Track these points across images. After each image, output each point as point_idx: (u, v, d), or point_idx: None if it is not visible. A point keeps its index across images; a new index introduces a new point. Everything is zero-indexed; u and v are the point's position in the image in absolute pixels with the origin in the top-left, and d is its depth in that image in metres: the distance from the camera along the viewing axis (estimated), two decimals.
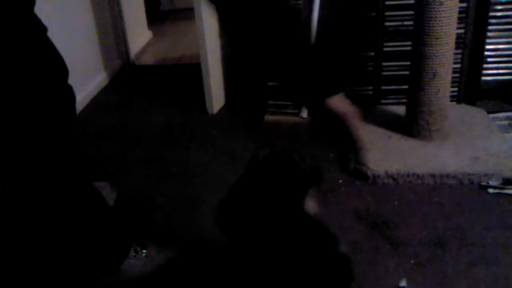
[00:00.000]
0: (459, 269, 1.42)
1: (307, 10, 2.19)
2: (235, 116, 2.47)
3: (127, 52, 3.29)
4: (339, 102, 0.91)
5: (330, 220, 1.60)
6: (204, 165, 2.05)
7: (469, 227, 1.58)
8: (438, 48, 1.84)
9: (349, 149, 0.98)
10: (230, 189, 1.33)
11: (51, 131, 1.11)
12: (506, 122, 2.16)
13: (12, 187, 1.15)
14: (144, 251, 1.42)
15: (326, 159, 1.97)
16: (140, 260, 1.40)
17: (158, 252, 1.44)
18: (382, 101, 2.34)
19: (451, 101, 2.13)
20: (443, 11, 1.78)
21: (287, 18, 0.88)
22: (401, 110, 2.12)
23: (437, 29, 1.81)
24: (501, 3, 2.17)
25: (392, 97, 2.33)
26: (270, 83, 2.35)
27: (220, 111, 2.53)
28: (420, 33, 1.84)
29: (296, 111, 2.36)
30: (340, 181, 1.86)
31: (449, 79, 1.92)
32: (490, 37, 2.22)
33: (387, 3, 2.17)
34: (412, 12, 1.95)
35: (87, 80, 2.76)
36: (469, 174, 1.79)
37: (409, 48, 2.00)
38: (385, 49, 2.26)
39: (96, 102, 2.75)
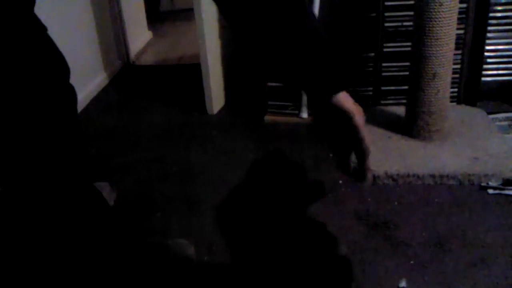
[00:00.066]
0: (459, 269, 1.42)
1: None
2: (235, 117, 2.47)
3: (127, 53, 3.29)
4: (345, 99, 0.88)
5: (330, 221, 1.61)
6: (204, 165, 2.05)
7: (469, 227, 1.58)
8: (438, 49, 1.84)
9: (352, 149, 0.95)
10: (231, 192, 1.33)
11: (53, 131, 1.11)
12: (506, 123, 2.16)
13: (12, 187, 1.15)
14: (144, 251, 1.41)
15: (326, 159, 1.97)
16: (140, 260, 1.40)
17: (158, 252, 1.44)
18: (382, 101, 2.35)
19: (451, 101, 2.13)
20: (443, 11, 1.78)
21: (292, 11, 0.87)
22: (401, 110, 2.12)
23: (437, 30, 1.81)
24: (501, 4, 2.17)
25: (392, 97, 2.33)
26: (270, 84, 2.35)
27: (220, 111, 2.54)
28: (420, 33, 1.84)
29: (296, 111, 2.36)
30: (340, 181, 1.86)
31: (449, 79, 1.93)
32: (490, 38, 2.22)
33: (386, 3, 2.17)
34: (411, 13, 1.96)
35: (87, 80, 2.76)
36: (469, 175, 1.79)
37: (409, 48, 2.00)
38: (385, 49, 2.26)
39: (96, 102, 2.75)
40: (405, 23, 2.19)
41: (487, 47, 2.23)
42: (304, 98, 2.32)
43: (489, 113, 2.19)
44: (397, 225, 1.62)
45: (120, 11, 3.13)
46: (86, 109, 2.65)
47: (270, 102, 2.39)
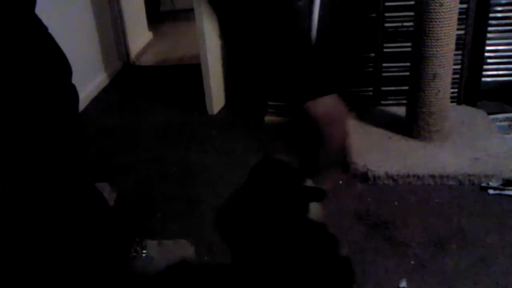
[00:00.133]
0: (459, 269, 1.42)
1: (307, 11, 2.19)
2: (235, 117, 2.47)
3: (127, 53, 3.29)
4: (323, 106, 0.86)
5: (330, 221, 1.61)
6: (204, 165, 2.05)
7: (469, 228, 1.58)
8: (438, 49, 1.84)
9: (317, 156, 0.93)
10: (231, 192, 1.33)
11: (54, 130, 1.11)
12: (506, 123, 2.16)
13: (12, 187, 1.15)
14: (144, 251, 1.42)
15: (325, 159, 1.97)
16: (140, 260, 1.40)
17: (158, 253, 1.44)
18: (382, 102, 2.34)
19: (451, 102, 2.13)
20: (443, 12, 1.78)
21: (286, 17, 0.87)
22: (401, 111, 2.12)
23: (437, 30, 1.81)
24: (501, 5, 2.17)
25: (392, 98, 2.33)
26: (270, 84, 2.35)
27: (220, 111, 2.54)
28: (420, 34, 1.84)
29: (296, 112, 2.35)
30: (340, 181, 1.86)
31: (449, 80, 1.93)
32: (490, 38, 2.22)
33: (387, 4, 2.17)
34: (412, 13, 1.96)
35: (87, 80, 2.76)
36: (469, 175, 1.79)
37: (409, 49, 2.00)
38: (385, 50, 2.26)
39: (96, 102, 2.75)
40: (405, 24, 2.19)
41: (487, 48, 2.23)
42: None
43: (489, 113, 2.19)
44: (397, 225, 1.62)
45: (120, 11, 3.13)
46: (86, 109, 2.65)
47: (270, 103, 2.39)
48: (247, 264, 1.27)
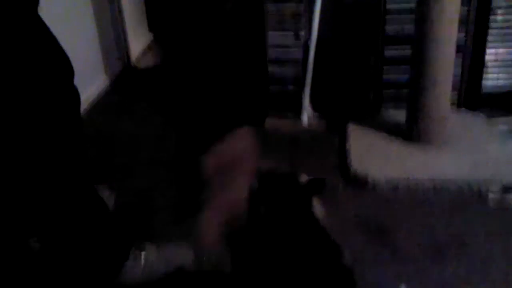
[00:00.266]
0: (459, 275, 1.42)
1: (308, 14, 2.19)
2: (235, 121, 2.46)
3: (128, 55, 3.29)
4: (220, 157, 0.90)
5: (329, 226, 1.61)
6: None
7: (469, 234, 1.58)
8: (438, 53, 1.84)
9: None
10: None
11: (55, 132, 1.11)
12: (506, 128, 2.15)
13: (12, 189, 1.14)
14: (143, 255, 1.41)
15: (325, 164, 1.97)
16: (139, 264, 1.39)
17: (157, 257, 1.44)
18: (382, 106, 2.34)
19: (452, 106, 2.13)
20: (444, 16, 1.78)
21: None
22: (401, 115, 2.12)
23: (438, 34, 1.81)
24: (502, 8, 2.16)
25: (393, 102, 2.32)
26: (272, 89, 2.35)
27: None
28: (421, 38, 1.84)
29: (297, 117, 2.35)
30: (340, 186, 1.86)
31: (449, 84, 1.92)
32: (490, 43, 2.21)
33: (388, 6, 2.17)
34: (412, 17, 1.95)
35: (87, 82, 2.75)
36: (469, 181, 1.79)
37: (409, 53, 2.00)
38: (385, 54, 2.25)
39: (96, 104, 2.74)
40: (406, 27, 2.18)
41: (488, 52, 2.22)
42: (305, 104, 2.32)
43: (489, 118, 2.19)
44: (397, 230, 1.61)
45: (120, 13, 3.13)
46: (86, 111, 2.64)
47: (271, 107, 2.39)
48: (247, 269, 1.27)
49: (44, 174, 1.13)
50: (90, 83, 2.80)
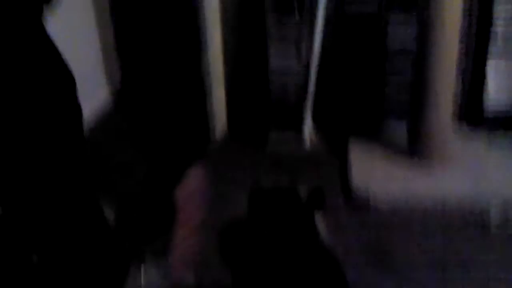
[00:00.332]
0: None
1: (310, 31, 2.21)
2: (237, 142, 2.46)
3: None
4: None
5: (331, 245, 1.60)
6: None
7: (470, 255, 1.58)
8: (440, 71, 1.85)
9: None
10: (232, 216, 1.33)
11: (58, 145, 1.11)
12: (507, 148, 2.15)
13: (15, 202, 1.14)
14: (143, 271, 1.40)
15: (327, 185, 1.96)
16: (139, 278, 1.38)
17: (157, 271, 1.43)
18: (384, 123, 2.34)
19: (453, 126, 2.13)
20: (445, 33, 1.80)
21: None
22: (403, 132, 2.12)
23: (439, 51, 1.82)
24: (503, 20, 2.17)
25: (394, 119, 2.32)
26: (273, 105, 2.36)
27: (222, 136, 2.52)
28: (422, 54, 1.86)
29: (298, 139, 2.36)
30: (342, 208, 1.86)
31: (451, 103, 1.93)
32: (492, 60, 2.22)
33: (389, 24, 2.18)
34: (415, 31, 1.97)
35: (89, 95, 2.75)
36: (471, 203, 1.79)
37: (411, 69, 2.01)
38: (387, 70, 2.26)
39: (98, 118, 2.74)
40: (407, 43, 2.20)
41: (489, 72, 2.23)
42: (307, 125, 2.33)
43: (491, 137, 2.19)
44: (399, 249, 1.61)
45: None
46: (88, 124, 2.63)
47: (272, 129, 2.39)
48: (248, 283, 1.26)
49: (47, 187, 1.13)
50: (92, 95, 2.79)
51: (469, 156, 2.04)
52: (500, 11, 2.12)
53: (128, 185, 2.04)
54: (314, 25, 2.19)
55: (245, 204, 1.56)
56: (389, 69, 2.26)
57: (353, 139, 2.22)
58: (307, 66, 2.27)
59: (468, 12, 2.06)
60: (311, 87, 2.27)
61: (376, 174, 1.97)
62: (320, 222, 1.39)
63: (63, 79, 1.13)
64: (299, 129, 2.36)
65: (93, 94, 2.80)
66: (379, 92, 2.30)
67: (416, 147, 1.99)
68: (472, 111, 2.28)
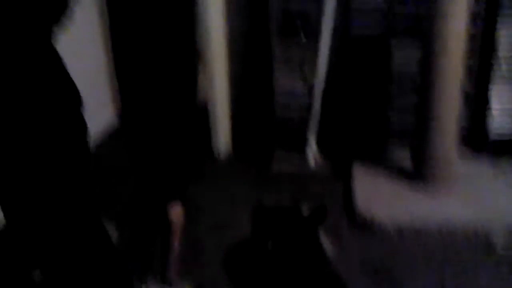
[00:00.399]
0: None
1: (315, 56, 2.23)
2: (241, 162, 2.46)
3: None
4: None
5: (335, 271, 1.59)
6: (209, 208, 2.02)
7: (476, 280, 1.56)
8: (444, 99, 1.86)
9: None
10: (234, 237, 1.32)
11: (62, 163, 1.11)
12: None
13: (19, 214, 1.13)
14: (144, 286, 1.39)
15: (331, 207, 1.96)
16: None
17: None
18: (388, 147, 2.34)
19: (458, 152, 2.13)
20: (448, 62, 1.81)
21: None
22: (407, 158, 2.12)
23: (443, 80, 1.83)
24: (506, 58, 2.19)
25: (399, 145, 2.33)
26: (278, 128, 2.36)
27: (227, 156, 2.53)
28: (426, 82, 1.87)
29: (303, 159, 2.36)
30: (346, 230, 1.85)
31: (455, 127, 1.93)
32: (496, 89, 2.23)
33: (394, 53, 2.20)
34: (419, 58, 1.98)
35: (94, 113, 2.76)
36: (475, 227, 1.78)
37: (416, 96, 2.02)
38: (392, 96, 2.27)
39: (103, 136, 2.75)
40: (412, 72, 2.21)
41: (494, 99, 2.24)
42: (311, 146, 2.34)
43: (496, 164, 2.19)
44: (402, 275, 1.60)
45: None
46: (94, 142, 2.64)
47: (276, 149, 2.39)
48: None
49: (49, 204, 1.12)
50: (97, 113, 2.81)
51: (473, 180, 2.04)
52: (504, 35, 2.14)
53: (129, 203, 2.04)
54: (319, 48, 2.20)
55: (248, 222, 1.55)
56: (394, 92, 2.27)
57: (357, 162, 2.21)
58: (312, 88, 2.28)
59: (472, 37, 2.07)
60: (316, 109, 2.28)
61: (380, 197, 1.96)
62: (324, 238, 1.39)
63: (70, 96, 1.13)
64: (303, 150, 2.36)
65: (98, 113, 2.82)
66: (383, 115, 2.31)
67: (420, 171, 1.99)
68: (476, 135, 2.29)
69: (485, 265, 1.65)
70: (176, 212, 0.95)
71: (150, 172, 0.93)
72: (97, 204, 1.27)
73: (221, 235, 1.82)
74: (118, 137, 2.77)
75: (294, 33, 2.25)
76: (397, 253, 1.70)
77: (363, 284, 1.55)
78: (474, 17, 2.04)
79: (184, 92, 0.97)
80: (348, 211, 1.94)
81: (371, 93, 2.30)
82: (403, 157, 2.21)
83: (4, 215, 1.12)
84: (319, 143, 2.36)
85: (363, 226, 1.85)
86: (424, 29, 1.89)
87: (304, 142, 2.35)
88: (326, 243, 1.36)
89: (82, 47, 2.67)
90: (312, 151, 2.34)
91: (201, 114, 2.41)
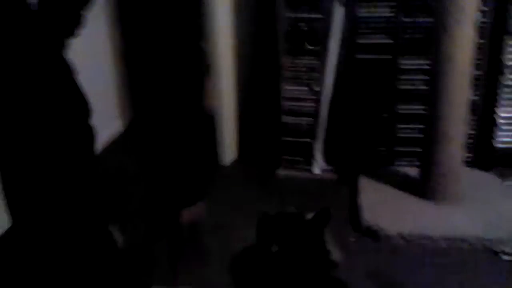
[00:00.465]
0: None
1: (322, 68, 2.24)
2: (247, 169, 2.46)
3: None
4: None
5: (341, 279, 1.58)
6: (215, 215, 2.02)
7: None
8: (451, 113, 1.86)
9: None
10: (240, 243, 1.32)
11: (70, 170, 1.12)
12: None
13: (25, 224, 1.14)
14: None
15: (337, 216, 1.95)
16: None
17: None
18: (396, 162, 2.34)
19: (465, 166, 2.12)
20: (456, 76, 1.82)
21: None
22: (414, 171, 2.11)
23: (451, 94, 1.83)
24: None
25: (406, 158, 2.32)
26: (284, 138, 2.37)
27: (233, 162, 2.53)
28: (434, 97, 1.87)
29: (309, 166, 2.36)
30: (352, 240, 1.84)
31: (462, 143, 1.93)
32: (502, 104, 2.22)
33: (402, 66, 2.21)
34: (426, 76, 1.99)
35: (101, 125, 2.77)
36: (482, 239, 1.76)
37: (422, 111, 2.02)
38: (399, 111, 2.27)
39: (110, 147, 2.76)
40: (419, 87, 2.22)
41: (501, 114, 2.23)
42: (317, 155, 2.34)
43: (503, 178, 2.17)
44: (408, 286, 1.58)
45: None
46: (101, 153, 2.65)
47: (283, 156, 2.40)
48: None
49: (55, 211, 1.13)
50: (105, 126, 2.82)
51: (480, 191, 2.02)
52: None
53: (136, 210, 2.04)
54: (326, 56, 2.21)
55: (254, 230, 1.55)
56: (401, 109, 2.28)
57: (364, 172, 2.21)
58: (319, 95, 2.28)
59: (478, 58, 2.08)
60: (323, 117, 2.29)
61: (387, 211, 1.95)
62: (330, 241, 1.38)
63: (78, 106, 1.15)
64: (309, 163, 2.36)
65: (107, 121, 2.84)
66: (391, 132, 2.31)
67: (426, 182, 1.98)
68: (483, 152, 2.28)
69: (490, 274, 1.64)
70: (199, 212, 0.95)
71: (161, 177, 0.94)
72: (103, 209, 1.27)
73: (226, 241, 1.82)
74: (127, 144, 2.78)
75: (302, 41, 2.26)
76: (403, 265, 1.69)
77: None
78: (481, 27, 2.04)
79: (192, 99, 0.99)
80: (353, 219, 1.94)
81: (378, 104, 2.30)
82: (409, 169, 2.20)
83: (12, 218, 1.13)
84: (325, 154, 2.36)
85: (369, 237, 1.84)
86: (432, 49, 1.90)
87: (310, 153, 2.35)
88: (332, 246, 1.36)
89: (92, 57, 2.70)
90: (318, 162, 2.33)
91: (208, 119, 2.42)
